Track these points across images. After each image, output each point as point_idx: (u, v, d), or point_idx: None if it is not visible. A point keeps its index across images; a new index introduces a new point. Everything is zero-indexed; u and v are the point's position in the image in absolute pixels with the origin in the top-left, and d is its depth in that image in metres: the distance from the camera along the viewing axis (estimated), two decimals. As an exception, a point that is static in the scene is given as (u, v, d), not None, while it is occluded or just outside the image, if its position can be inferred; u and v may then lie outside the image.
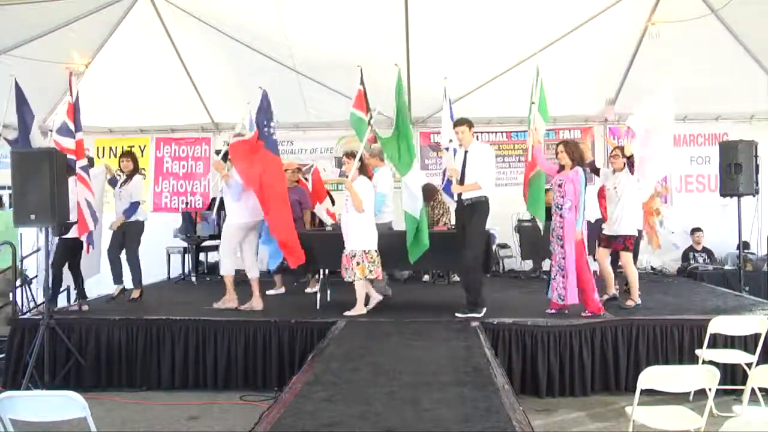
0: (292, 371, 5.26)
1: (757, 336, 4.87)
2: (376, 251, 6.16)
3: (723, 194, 8.00)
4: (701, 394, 3.68)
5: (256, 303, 6.54)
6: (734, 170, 7.63)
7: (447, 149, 7.30)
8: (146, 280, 7.51)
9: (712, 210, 9.46)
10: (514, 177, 10.01)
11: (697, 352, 4.99)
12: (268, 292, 7.29)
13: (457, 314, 5.96)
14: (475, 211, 6.07)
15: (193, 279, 9.00)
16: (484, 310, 6.02)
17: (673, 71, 8.70)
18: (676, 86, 8.93)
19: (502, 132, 10.40)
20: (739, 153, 7.64)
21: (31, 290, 8.35)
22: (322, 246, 6.59)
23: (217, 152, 7.22)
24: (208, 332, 5.94)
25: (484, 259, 6.38)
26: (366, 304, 6.26)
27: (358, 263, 6.03)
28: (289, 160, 10.04)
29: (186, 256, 9.37)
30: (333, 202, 9.21)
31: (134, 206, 7.08)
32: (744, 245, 8.26)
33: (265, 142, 6.48)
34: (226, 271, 6.57)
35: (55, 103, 9.70)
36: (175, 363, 5.95)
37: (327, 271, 7.06)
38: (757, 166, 7.82)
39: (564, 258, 5.85)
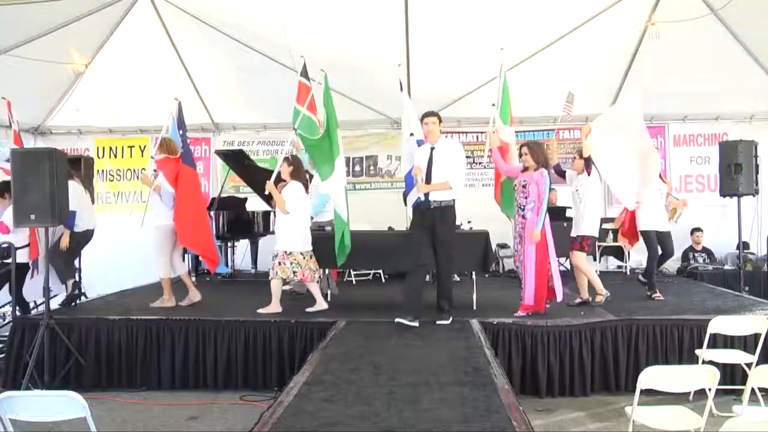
0: (292, 371, 5.25)
1: (757, 336, 4.86)
2: (302, 253, 6.25)
3: (723, 194, 8.00)
4: (701, 394, 3.68)
5: (193, 295, 6.78)
6: (734, 170, 7.63)
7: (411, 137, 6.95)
8: (146, 281, 7.50)
9: (712, 210, 9.46)
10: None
11: (697, 352, 4.99)
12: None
13: (439, 322, 5.69)
14: (445, 216, 5.74)
15: (193, 279, 8.97)
16: None
17: (673, 71, 8.73)
18: (676, 86, 9.01)
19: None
20: (739, 153, 7.64)
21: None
22: (322, 246, 6.59)
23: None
24: (208, 332, 5.93)
25: (482, 258, 6.39)
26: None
27: (279, 263, 6.17)
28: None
29: (186, 256, 9.35)
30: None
31: (71, 216, 6.49)
32: (744, 245, 8.27)
33: (182, 155, 6.72)
34: (165, 273, 6.66)
35: (55, 103, 9.73)
36: (175, 363, 5.94)
37: (328, 271, 7.06)
38: (757, 166, 7.82)
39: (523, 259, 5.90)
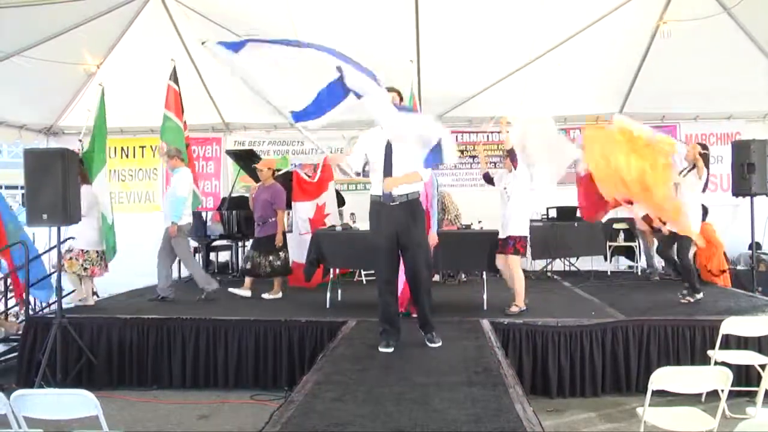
0: (303, 371, 5.27)
1: (770, 337, 4.84)
2: (97, 251, 6.78)
3: (735, 194, 7.93)
4: (713, 395, 3.65)
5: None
6: (747, 170, 7.55)
7: None
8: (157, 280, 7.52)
9: (724, 210, 9.38)
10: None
11: (710, 353, 4.96)
12: (231, 290, 7.33)
13: (432, 344, 4.81)
14: (416, 214, 4.73)
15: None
16: None
17: (684, 70, 8.67)
18: (688, 85, 8.95)
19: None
20: (752, 152, 7.56)
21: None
22: (333, 246, 6.60)
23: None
24: (219, 331, 5.96)
25: (491, 258, 6.36)
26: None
27: (70, 258, 6.61)
28: (300, 160, 10.09)
29: (197, 255, 9.40)
30: (343, 202, 9.24)
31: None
32: (756, 245, 8.20)
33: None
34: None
35: (67, 103, 9.79)
36: (185, 362, 5.97)
37: (338, 271, 7.07)
38: (769, 166, 7.74)
39: None
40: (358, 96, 4.48)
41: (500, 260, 6.28)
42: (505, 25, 8.21)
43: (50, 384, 5.34)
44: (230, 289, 7.30)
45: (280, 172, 8.23)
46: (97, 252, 6.81)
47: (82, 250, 6.69)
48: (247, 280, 7.38)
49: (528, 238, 6.22)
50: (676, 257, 6.81)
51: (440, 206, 8.46)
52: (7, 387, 5.40)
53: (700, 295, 6.55)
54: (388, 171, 4.65)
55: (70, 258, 6.65)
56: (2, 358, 6.58)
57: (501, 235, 6.22)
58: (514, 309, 6.11)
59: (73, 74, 8.71)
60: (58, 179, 5.44)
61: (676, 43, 8.05)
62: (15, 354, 6.37)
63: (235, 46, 4.56)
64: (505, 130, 6.24)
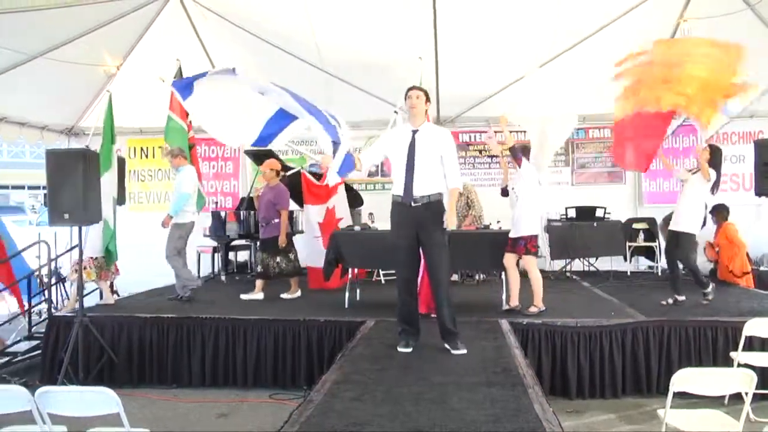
0: (321, 370, 5.29)
1: (795, 339, 4.76)
2: (104, 257, 6.86)
3: (758, 193, 7.78)
4: (737, 398, 3.60)
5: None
6: (770, 169, 7.43)
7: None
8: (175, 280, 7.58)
9: (746, 209, 9.26)
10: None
11: (732, 354, 4.89)
12: (243, 296, 7.27)
13: (454, 351, 4.63)
14: (437, 215, 4.62)
15: (223, 278, 9.09)
16: None
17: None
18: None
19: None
20: (775, 151, 7.44)
21: (65, 288, 8.53)
22: (352, 246, 6.61)
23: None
24: (238, 331, 5.99)
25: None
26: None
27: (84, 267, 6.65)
28: (318, 160, 10.09)
29: (216, 255, 9.48)
30: (362, 202, 9.24)
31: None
32: (780, 245, 8.08)
33: None
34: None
35: (88, 104, 9.90)
36: (205, 361, 6.01)
37: (356, 271, 7.07)
38: (793, 165, 7.61)
39: None
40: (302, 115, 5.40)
41: (508, 259, 6.22)
42: (523, 24, 8.17)
43: (72, 381, 5.42)
44: (242, 296, 7.24)
45: (289, 172, 8.25)
46: (104, 257, 6.89)
47: (91, 258, 6.76)
48: (258, 282, 7.35)
49: (539, 237, 6.18)
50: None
51: (465, 201, 8.44)
52: (32, 384, 5.47)
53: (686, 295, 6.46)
54: (410, 171, 4.61)
55: (84, 267, 6.70)
56: (27, 356, 6.67)
57: (512, 235, 6.17)
58: (533, 309, 6.07)
59: (94, 75, 8.81)
60: (79, 179, 5.50)
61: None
62: (39, 351, 6.46)
63: (186, 86, 5.69)
64: (506, 129, 6.20)
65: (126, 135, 10.59)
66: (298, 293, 7.38)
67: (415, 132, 4.68)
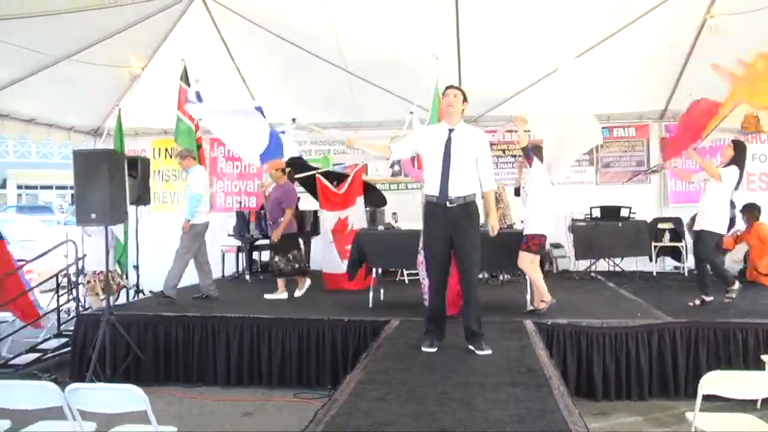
0: (346, 370, 5.30)
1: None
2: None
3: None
4: (769, 402, 3.54)
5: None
6: (799, 168, 7.30)
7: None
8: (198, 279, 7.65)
9: (777, 209, 9.09)
10: (568, 175, 9.77)
11: (764, 357, 4.81)
12: (267, 296, 7.30)
13: (480, 352, 4.59)
14: (470, 213, 4.65)
15: (247, 277, 9.15)
16: None
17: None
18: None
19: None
20: (804, 150, 7.31)
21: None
22: (375, 246, 6.61)
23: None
24: (263, 330, 6.03)
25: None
26: None
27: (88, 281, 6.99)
28: (342, 160, 10.16)
29: (240, 254, 9.54)
30: (385, 202, 9.24)
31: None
32: (811, 245, 7.91)
33: None
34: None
35: (113, 106, 10.02)
36: (230, 360, 6.06)
37: (381, 271, 7.07)
38: (822, 163, 7.48)
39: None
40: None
41: (522, 258, 6.12)
42: (547, 23, 8.08)
43: (100, 379, 5.50)
44: (266, 296, 7.29)
45: (303, 174, 8.24)
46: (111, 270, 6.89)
47: (94, 271, 6.97)
48: (279, 282, 7.39)
49: (546, 237, 6.10)
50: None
51: (495, 196, 8.36)
52: (62, 380, 5.56)
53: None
54: (446, 171, 4.57)
55: (89, 281, 6.99)
56: (56, 353, 6.77)
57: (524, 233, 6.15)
58: (542, 305, 6.02)
59: (119, 77, 8.92)
60: (105, 179, 5.59)
61: (724, 37, 7.80)
62: (68, 349, 6.56)
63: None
64: (521, 128, 6.18)
65: (150, 136, 10.72)
66: (285, 295, 7.33)
67: (451, 131, 4.66)
